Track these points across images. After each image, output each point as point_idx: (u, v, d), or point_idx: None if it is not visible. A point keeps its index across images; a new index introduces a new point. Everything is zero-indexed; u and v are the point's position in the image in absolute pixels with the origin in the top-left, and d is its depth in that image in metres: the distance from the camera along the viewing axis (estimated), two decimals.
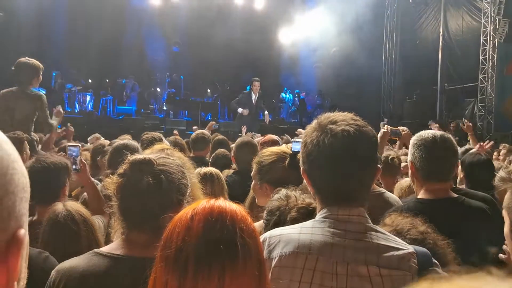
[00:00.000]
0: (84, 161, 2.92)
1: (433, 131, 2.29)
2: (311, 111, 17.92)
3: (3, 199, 0.58)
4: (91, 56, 14.73)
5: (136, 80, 15.94)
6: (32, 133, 4.94)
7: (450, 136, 2.31)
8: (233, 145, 4.45)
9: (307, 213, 1.74)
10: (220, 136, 5.74)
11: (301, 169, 1.45)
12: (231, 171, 4.15)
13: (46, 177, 2.50)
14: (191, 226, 1.05)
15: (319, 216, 1.41)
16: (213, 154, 4.33)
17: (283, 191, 2.31)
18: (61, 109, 5.46)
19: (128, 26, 15.95)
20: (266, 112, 11.83)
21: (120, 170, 1.51)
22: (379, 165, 1.43)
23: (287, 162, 2.37)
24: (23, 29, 14.17)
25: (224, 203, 1.12)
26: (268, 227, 1.86)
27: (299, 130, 7.67)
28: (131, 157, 1.53)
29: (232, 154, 4.07)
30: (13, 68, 5.07)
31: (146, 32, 16.20)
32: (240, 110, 10.86)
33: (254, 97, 10.99)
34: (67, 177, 2.67)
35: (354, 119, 1.40)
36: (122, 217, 1.50)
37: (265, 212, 1.89)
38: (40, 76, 5.15)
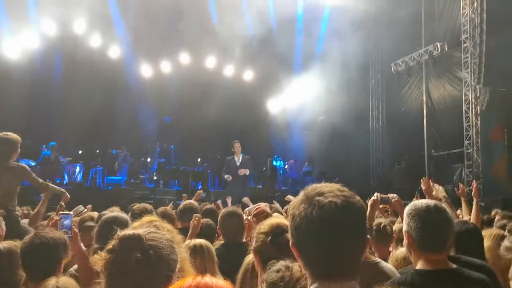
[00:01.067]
0: (76, 230, 2.86)
1: (427, 201, 2.31)
2: (297, 178, 17.98)
3: None
4: (81, 128, 14.86)
5: (128, 151, 16.00)
6: (17, 207, 4.87)
7: (443, 205, 2.32)
8: None
9: None
10: (209, 206, 5.67)
11: (290, 242, 1.43)
12: (219, 243, 4.08)
13: (45, 253, 2.49)
14: None
15: None
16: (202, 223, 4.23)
17: (281, 262, 2.27)
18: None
19: (119, 97, 16.26)
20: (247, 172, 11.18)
21: (109, 246, 1.50)
22: (369, 236, 1.40)
23: (268, 239, 2.31)
24: (15, 101, 14.34)
25: (211, 280, 1.09)
26: None
27: (288, 197, 7.64)
28: (120, 233, 1.52)
29: (218, 226, 4.00)
30: None
31: (137, 103, 16.48)
32: (225, 176, 10.82)
33: (237, 160, 10.92)
34: (64, 253, 2.66)
35: (341, 190, 1.39)
36: None
37: (265, 285, 1.83)
38: (18, 149, 5.16)
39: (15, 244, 2.70)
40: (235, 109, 17.27)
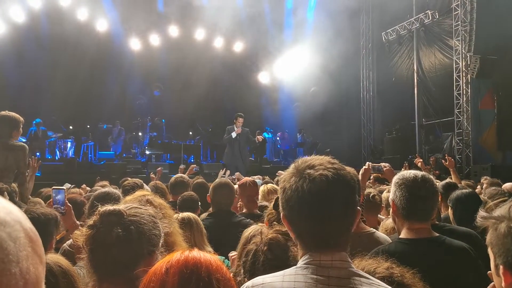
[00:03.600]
0: (69, 205, 2.85)
1: (415, 171, 2.31)
2: (289, 150, 18.04)
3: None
4: (71, 103, 14.71)
5: (123, 126, 15.92)
6: (12, 184, 4.87)
7: (431, 176, 2.33)
8: None
9: (280, 251, 1.76)
10: (200, 180, 5.69)
11: (281, 214, 1.44)
12: (206, 214, 4.09)
13: (36, 228, 2.44)
14: (166, 280, 1.02)
15: (301, 262, 1.38)
16: (179, 197, 4.24)
17: (255, 226, 2.29)
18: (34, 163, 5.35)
19: (108, 71, 16.06)
20: (258, 137, 12.05)
21: (90, 222, 1.50)
22: (359, 208, 1.41)
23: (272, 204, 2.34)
24: (3, 77, 14.14)
25: (199, 254, 1.09)
26: (245, 269, 1.83)
27: (279, 172, 7.68)
28: (101, 209, 1.52)
29: (208, 194, 4.02)
30: None
31: (126, 77, 16.29)
32: (233, 134, 10.89)
33: (236, 131, 11.02)
34: (55, 229, 2.64)
35: (331, 162, 1.40)
36: (92, 269, 1.48)
37: (242, 254, 1.87)
38: (20, 129, 5.19)
39: None
40: (226, 81, 17.20)
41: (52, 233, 2.60)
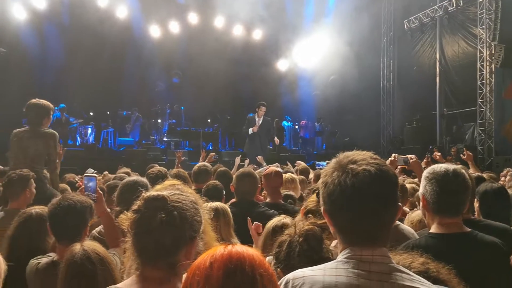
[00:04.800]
0: (101, 192, 2.89)
1: (446, 165, 2.26)
2: (308, 138, 17.99)
3: None
4: (92, 89, 14.84)
5: (140, 112, 16.06)
6: (44, 171, 4.96)
7: (463, 171, 2.27)
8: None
9: (316, 242, 1.77)
10: (222, 168, 5.73)
11: (322, 208, 1.45)
12: (230, 202, 4.10)
13: (72, 215, 2.54)
14: (211, 274, 1.03)
15: (341, 256, 1.39)
16: (205, 186, 4.25)
17: (278, 218, 2.29)
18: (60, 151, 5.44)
19: (128, 58, 16.16)
20: (276, 138, 11.92)
21: (134, 207, 1.53)
22: (400, 203, 1.42)
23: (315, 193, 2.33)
24: (25, 64, 14.32)
25: (242, 248, 1.11)
26: (278, 259, 1.85)
27: (298, 161, 7.66)
28: (145, 194, 1.55)
29: (232, 184, 4.03)
30: (24, 109, 5.18)
31: (146, 64, 16.36)
32: (250, 130, 10.87)
33: (257, 120, 10.97)
34: (90, 217, 2.70)
35: (373, 158, 1.41)
36: (136, 253, 1.51)
37: (275, 245, 1.87)
38: (51, 116, 5.28)
39: (45, 210, 2.73)
40: (244, 69, 17.12)
41: (87, 220, 2.66)
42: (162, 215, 1.47)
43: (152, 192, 1.56)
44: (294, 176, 5.37)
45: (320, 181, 1.47)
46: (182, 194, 1.59)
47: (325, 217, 1.45)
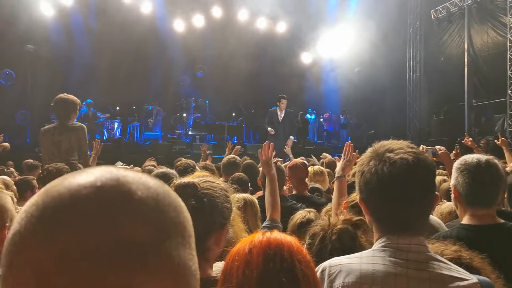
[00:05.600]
0: None
1: (478, 156, 2.22)
2: (332, 131, 17.88)
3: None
4: (118, 84, 15.07)
5: (161, 106, 16.23)
6: (78, 164, 5.09)
7: (496, 161, 2.23)
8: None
9: (349, 240, 1.76)
10: (249, 160, 5.76)
11: (358, 197, 1.47)
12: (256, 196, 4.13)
13: None
14: (251, 260, 1.06)
15: (378, 245, 1.40)
16: (230, 178, 4.31)
17: (302, 212, 2.28)
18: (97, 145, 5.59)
19: (153, 52, 16.35)
20: (291, 137, 11.17)
21: None
22: (437, 193, 1.43)
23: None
24: (53, 60, 14.63)
25: (280, 235, 1.13)
26: (310, 252, 1.85)
27: (324, 154, 7.63)
28: (176, 181, 1.56)
29: (259, 177, 4.04)
30: (52, 104, 5.34)
31: (170, 58, 16.49)
32: (269, 129, 10.84)
33: (279, 114, 10.93)
34: None
35: (410, 146, 1.42)
36: None
37: (308, 235, 1.89)
38: (78, 111, 5.44)
39: None
40: (268, 62, 17.10)
41: None
42: (192, 202, 1.48)
43: (183, 179, 1.58)
44: (322, 168, 5.38)
45: (356, 170, 1.49)
46: (212, 182, 1.61)
47: (361, 206, 1.47)
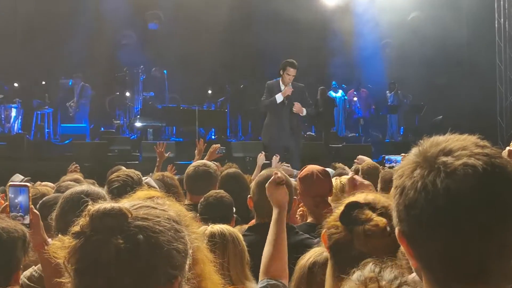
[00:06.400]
0: (36, 212, 2.91)
1: None
2: (374, 116, 17.95)
3: None
4: (15, 45, 15.00)
5: (87, 80, 16.15)
6: None
7: None
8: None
9: None
10: (232, 169, 5.74)
11: (397, 230, 1.47)
12: (245, 226, 4.23)
13: None
14: None
15: None
16: (202, 199, 4.34)
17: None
18: None
19: None
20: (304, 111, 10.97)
21: (76, 228, 1.51)
22: None
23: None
24: None
25: None
26: None
27: (360, 157, 7.67)
28: (93, 207, 1.53)
29: (250, 195, 4.08)
30: None
31: (105, 3, 16.40)
32: (278, 96, 10.68)
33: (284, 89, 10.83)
34: (24, 252, 2.70)
35: (480, 145, 1.41)
36: None
37: None
38: None
39: None
40: (267, 5, 17.03)
41: (20, 260, 2.67)
42: (119, 240, 1.45)
43: (104, 204, 1.53)
44: (359, 178, 5.37)
45: (393, 185, 1.47)
46: (154, 208, 1.59)
47: (401, 244, 1.47)
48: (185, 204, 4.03)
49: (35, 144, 14.38)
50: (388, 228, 2.12)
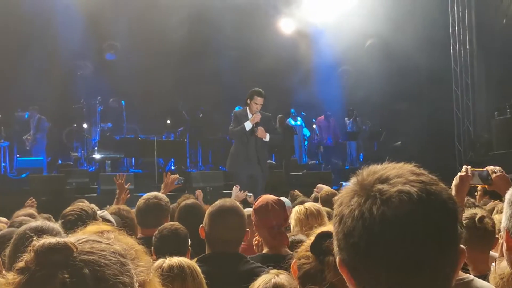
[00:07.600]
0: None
1: None
2: (333, 144, 18.00)
3: None
4: None
5: (44, 113, 16.00)
6: None
7: None
8: None
9: None
10: (189, 201, 5.71)
11: (337, 259, 1.45)
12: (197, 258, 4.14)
13: None
14: None
15: None
16: (156, 232, 4.28)
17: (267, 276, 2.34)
18: None
19: (32, 24, 16.13)
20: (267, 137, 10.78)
21: (20, 264, 1.50)
22: (462, 246, 1.41)
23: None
24: None
25: None
26: None
27: (319, 185, 7.69)
28: (38, 242, 1.52)
29: (203, 225, 4.08)
30: None
31: (61, 32, 16.31)
32: (247, 124, 10.58)
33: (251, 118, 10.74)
34: None
35: (416, 173, 1.41)
36: None
37: None
38: None
39: None
40: (228, 33, 17.04)
41: None
42: (64, 275, 1.44)
43: (49, 238, 1.53)
44: (318, 206, 5.38)
45: (334, 214, 1.46)
46: (99, 242, 1.59)
47: (342, 273, 1.45)
48: (137, 238, 4.09)
49: None
50: None
